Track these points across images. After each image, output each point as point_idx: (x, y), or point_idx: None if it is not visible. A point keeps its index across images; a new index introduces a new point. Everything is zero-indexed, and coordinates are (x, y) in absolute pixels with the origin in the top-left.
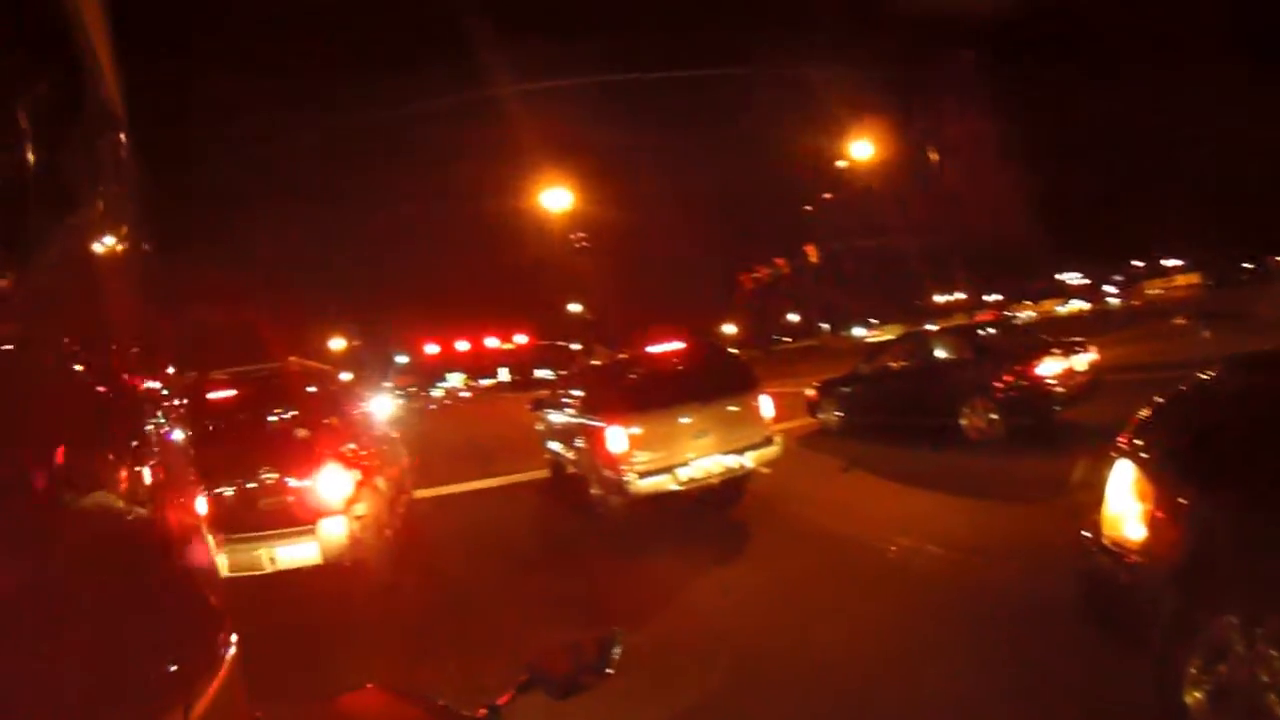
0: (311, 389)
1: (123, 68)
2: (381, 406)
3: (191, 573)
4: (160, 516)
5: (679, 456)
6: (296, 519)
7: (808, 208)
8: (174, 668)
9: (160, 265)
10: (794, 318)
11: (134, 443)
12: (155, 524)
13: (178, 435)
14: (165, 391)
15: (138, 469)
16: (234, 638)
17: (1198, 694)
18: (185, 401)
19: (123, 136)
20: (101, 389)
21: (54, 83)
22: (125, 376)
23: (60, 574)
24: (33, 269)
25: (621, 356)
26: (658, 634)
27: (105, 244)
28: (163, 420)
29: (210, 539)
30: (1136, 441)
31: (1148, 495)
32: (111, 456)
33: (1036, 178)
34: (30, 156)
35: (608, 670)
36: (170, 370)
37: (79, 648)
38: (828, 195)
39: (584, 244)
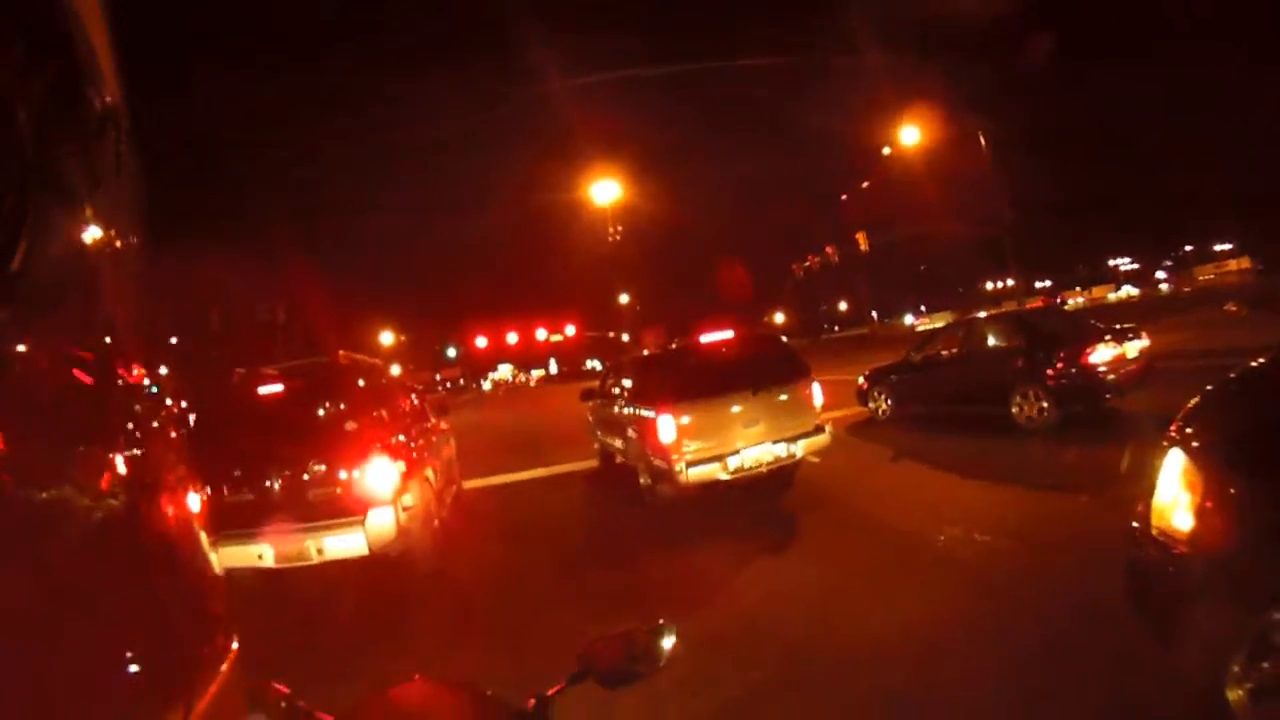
0: (360, 382)
1: (129, 68)
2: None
3: (189, 571)
4: (147, 512)
5: (729, 445)
6: (344, 510)
7: (844, 196)
8: (174, 668)
9: (204, 265)
10: (844, 306)
11: (114, 436)
12: (141, 519)
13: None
14: (154, 389)
15: (114, 461)
16: (235, 639)
17: (1239, 691)
18: (185, 403)
19: (123, 135)
20: (85, 380)
21: (54, 82)
22: (117, 369)
23: (58, 573)
24: (32, 263)
25: (672, 346)
26: (704, 624)
27: (102, 240)
28: (145, 414)
29: (204, 536)
30: (1186, 430)
31: (1197, 485)
32: (82, 448)
33: (1086, 162)
34: (30, 155)
35: (660, 662)
36: (162, 370)
37: (78, 648)
38: (865, 184)
39: (617, 237)
